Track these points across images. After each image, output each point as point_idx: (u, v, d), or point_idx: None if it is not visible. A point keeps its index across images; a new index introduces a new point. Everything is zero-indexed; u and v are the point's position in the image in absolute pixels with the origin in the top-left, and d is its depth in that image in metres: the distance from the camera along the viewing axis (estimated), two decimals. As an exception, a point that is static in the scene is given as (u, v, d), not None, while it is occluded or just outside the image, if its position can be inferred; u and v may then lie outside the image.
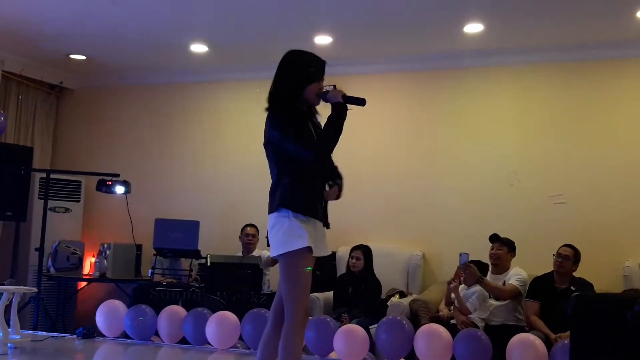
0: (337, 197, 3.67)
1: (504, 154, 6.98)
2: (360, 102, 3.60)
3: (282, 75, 3.59)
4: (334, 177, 3.71)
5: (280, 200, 3.45)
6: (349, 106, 3.57)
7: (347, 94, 3.58)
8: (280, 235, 3.44)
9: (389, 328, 5.39)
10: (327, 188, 3.64)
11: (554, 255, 5.77)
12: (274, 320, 3.60)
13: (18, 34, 7.06)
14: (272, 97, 3.57)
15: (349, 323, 5.82)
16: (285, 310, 3.45)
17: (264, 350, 3.60)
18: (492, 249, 6.00)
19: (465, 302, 5.74)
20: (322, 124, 3.61)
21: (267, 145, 3.57)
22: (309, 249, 3.43)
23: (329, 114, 3.54)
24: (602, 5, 5.78)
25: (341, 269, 6.89)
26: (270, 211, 3.51)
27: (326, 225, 3.63)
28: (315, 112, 3.69)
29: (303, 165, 3.50)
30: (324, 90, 3.60)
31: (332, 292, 6.61)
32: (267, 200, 3.56)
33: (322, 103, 3.64)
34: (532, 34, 6.55)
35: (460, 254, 5.80)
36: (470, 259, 5.95)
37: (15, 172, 7.31)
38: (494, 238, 6.03)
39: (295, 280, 3.44)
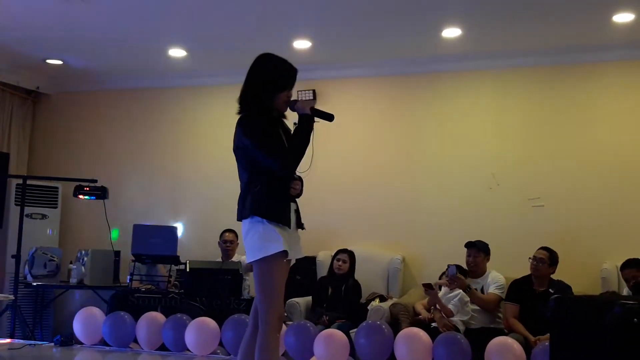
0: (299, 192, 3.68)
1: (482, 158, 7.01)
2: (328, 117, 3.66)
3: (255, 82, 3.59)
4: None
5: (251, 208, 3.46)
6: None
7: (316, 108, 3.61)
8: (256, 240, 3.45)
9: (369, 332, 5.39)
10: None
11: (529, 258, 5.80)
12: (253, 325, 3.60)
13: (-7, 38, 6.99)
14: (245, 102, 3.58)
15: (329, 326, 5.81)
16: (260, 316, 3.46)
17: (243, 355, 3.60)
18: (468, 256, 6.02)
19: (447, 304, 5.76)
20: (291, 128, 3.65)
21: (237, 150, 3.58)
22: (284, 253, 3.44)
23: (296, 124, 3.59)
24: (579, 9, 5.83)
25: (321, 274, 6.87)
26: (242, 217, 3.52)
27: (300, 226, 3.64)
28: (284, 116, 3.72)
29: (274, 173, 3.52)
30: (292, 98, 3.63)
31: (311, 296, 6.59)
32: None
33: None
34: (510, 38, 6.59)
35: (449, 266, 5.82)
36: (451, 264, 5.94)
37: (-10, 178, 7.24)
38: (469, 245, 6.04)
39: (270, 286, 3.45)
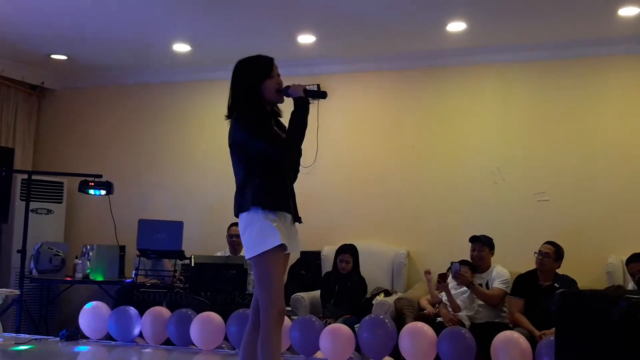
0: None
1: (487, 152, 7.00)
2: (322, 95, 3.71)
3: (235, 84, 3.66)
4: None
5: (251, 198, 3.47)
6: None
7: (309, 88, 3.61)
8: (254, 237, 3.46)
9: (371, 327, 5.38)
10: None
11: (535, 253, 5.80)
12: (254, 319, 3.61)
13: (-2, 34, 6.99)
14: (234, 105, 3.63)
15: (335, 322, 5.82)
16: (261, 312, 3.46)
17: (245, 350, 3.62)
18: (473, 250, 6.02)
19: (456, 299, 5.77)
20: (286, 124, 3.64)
21: (232, 146, 3.62)
22: (281, 247, 3.45)
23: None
24: (584, 3, 5.81)
25: (326, 269, 6.87)
26: (241, 211, 3.53)
27: (297, 219, 3.65)
28: (279, 112, 3.73)
29: (272, 164, 3.53)
30: (284, 86, 3.62)
31: (317, 291, 6.60)
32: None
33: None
34: (515, 32, 6.57)
35: (452, 264, 5.83)
36: (457, 260, 5.94)
37: (-4, 174, 7.25)
38: (474, 239, 6.04)
39: (269, 281, 3.45)
